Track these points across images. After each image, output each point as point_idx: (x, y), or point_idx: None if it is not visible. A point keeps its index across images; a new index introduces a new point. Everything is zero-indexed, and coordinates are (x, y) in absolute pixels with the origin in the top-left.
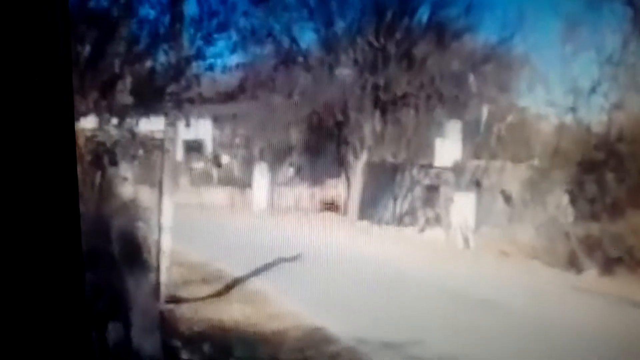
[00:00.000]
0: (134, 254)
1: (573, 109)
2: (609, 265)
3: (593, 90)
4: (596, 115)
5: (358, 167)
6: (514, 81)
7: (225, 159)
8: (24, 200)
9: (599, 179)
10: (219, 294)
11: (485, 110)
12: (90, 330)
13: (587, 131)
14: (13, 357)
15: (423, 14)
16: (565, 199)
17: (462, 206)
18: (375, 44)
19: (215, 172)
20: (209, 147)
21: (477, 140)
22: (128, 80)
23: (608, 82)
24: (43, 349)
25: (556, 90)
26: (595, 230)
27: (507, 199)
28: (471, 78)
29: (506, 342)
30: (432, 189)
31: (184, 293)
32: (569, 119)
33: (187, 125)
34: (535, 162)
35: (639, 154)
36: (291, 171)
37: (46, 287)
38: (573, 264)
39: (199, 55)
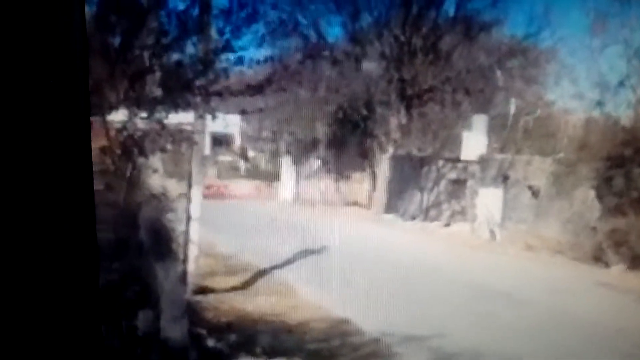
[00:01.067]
0: (163, 245)
1: (600, 103)
2: (635, 261)
3: (621, 84)
4: (624, 110)
5: (384, 160)
6: (541, 75)
7: (252, 152)
8: (38, 192)
9: (627, 173)
10: (245, 285)
11: (512, 104)
12: (101, 324)
13: (615, 125)
14: (24, 349)
15: (449, 7)
16: (591, 193)
17: (488, 200)
18: (402, 37)
19: (242, 164)
20: (236, 140)
21: (503, 134)
22: (157, 72)
23: (636, 76)
24: (52, 341)
25: (583, 84)
26: (622, 225)
27: (535, 193)
28: (498, 72)
29: (530, 336)
30: (459, 183)
31: (211, 283)
32: (596, 113)
33: (215, 118)
34: (562, 156)
35: None
36: (317, 164)
37: (59, 279)
38: (599, 259)
39: (228, 48)
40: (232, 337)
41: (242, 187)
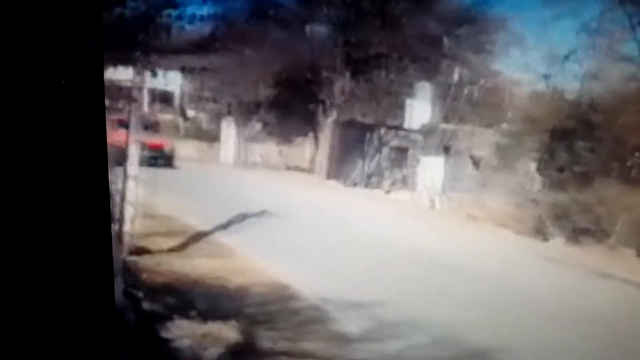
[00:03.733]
0: None
1: (547, 76)
2: (575, 235)
3: (567, 57)
4: (570, 83)
5: (327, 125)
6: (488, 44)
7: (192, 111)
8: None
9: (569, 147)
10: (183, 246)
11: (455, 73)
12: (114, 314)
13: (560, 99)
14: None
15: None
16: (534, 165)
17: (430, 169)
18: (350, 0)
19: (182, 123)
20: (176, 98)
21: (447, 103)
22: None
23: (583, 50)
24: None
25: (531, 55)
26: (564, 198)
27: (476, 163)
28: (445, 39)
29: (471, 304)
30: (401, 151)
31: (148, 244)
32: (542, 85)
33: (155, 75)
34: (506, 127)
35: (611, 124)
36: (259, 127)
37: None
38: (540, 231)
39: (170, 3)
40: (168, 299)
41: (182, 147)
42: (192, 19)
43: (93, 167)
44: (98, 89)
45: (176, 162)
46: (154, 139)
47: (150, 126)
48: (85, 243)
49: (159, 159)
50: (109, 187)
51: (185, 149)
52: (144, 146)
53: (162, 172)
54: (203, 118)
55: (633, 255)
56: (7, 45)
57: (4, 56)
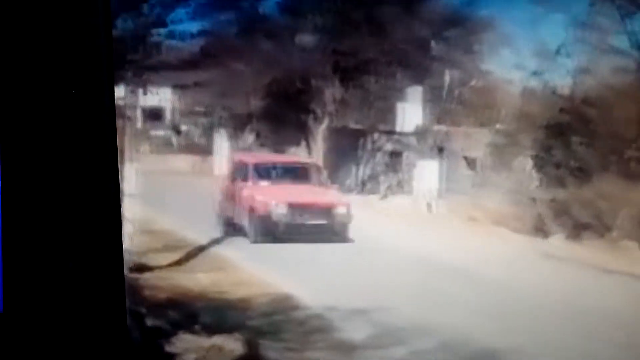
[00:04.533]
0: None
1: (538, 72)
2: (576, 231)
3: (558, 51)
4: (562, 78)
5: (319, 133)
6: (477, 44)
7: (185, 126)
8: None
9: (565, 142)
10: (183, 261)
11: (446, 75)
12: (126, 321)
13: (553, 94)
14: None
15: None
16: (530, 163)
17: (425, 172)
18: (336, 8)
19: (175, 139)
20: (168, 114)
21: (439, 105)
22: None
23: (574, 44)
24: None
25: (521, 52)
26: (562, 195)
27: (470, 164)
28: (432, 42)
29: (475, 307)
30: (395, 155)
31: (148, 260)
32: (534, 81)
33: (146, 93)
34: (500, 126)
35: (606, 117)
36: (251, 138)
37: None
38: (539, 229)
39: (159, 21)
40: (172, 314)
41: (176, 161)
42: (183, 36)
43: (103, 172)
44: (110, 99)
45: (170, 177)
46: (311, 194)
47: (287, 172)
48: (96, 258)
49: (326, 229)
50: (119, 189)
51: (179, 163)
52: (289, 207)
53: (160, 188)
54: (195, 132)
55: (635, 248)
56: (22, 57)
57: (20, 68)
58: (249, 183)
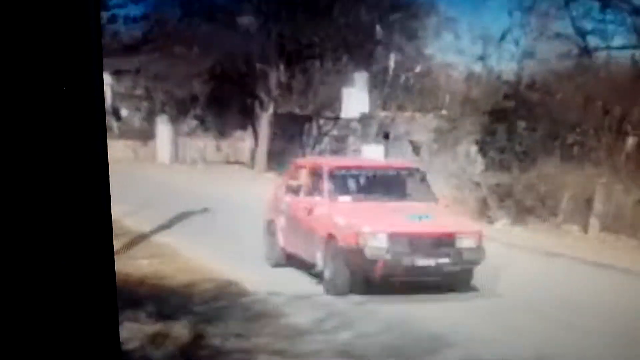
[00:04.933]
0: None
1: (482, 57)
2: (521, 215)
3: (503, 37)
4: (506, 63)
5: (265, 118)
6: (421, 29)
7: (125, 110)
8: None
9: (510, 127)
10: (125, 249)
11: (391, 60)
12: (117, 322)
13: (497, 79)
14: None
15: None
16: (474, 148)
17: (371, 157)
18: None
19: (115, 124)
20: (108, 99)
21: (384, 91)
22: None
23: (519, 29)
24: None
25: (465, 37)
26: (507, 179)
27: (416, 149)
28: (377, 27)
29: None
30: (341, 140)
31: None
32: (478, 66)
33: None
34: (444, 111)
35: (550, 102)
36: (195, 123)
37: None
38: (484, 214)
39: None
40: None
41: (117, 148)
42: (125, 21)
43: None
44: (99, 94)
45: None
46: (431, 221)
47: (378, 181)
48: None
49: (447, 272)
50: (109, 189)
51: (120, 149)
52: (391, 237)
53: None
54: (136, 117)
55: (578, 231)
56: (10, 54)
57: (9, 65)
58: (324, 198)
